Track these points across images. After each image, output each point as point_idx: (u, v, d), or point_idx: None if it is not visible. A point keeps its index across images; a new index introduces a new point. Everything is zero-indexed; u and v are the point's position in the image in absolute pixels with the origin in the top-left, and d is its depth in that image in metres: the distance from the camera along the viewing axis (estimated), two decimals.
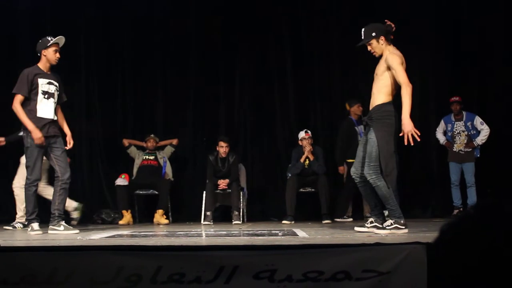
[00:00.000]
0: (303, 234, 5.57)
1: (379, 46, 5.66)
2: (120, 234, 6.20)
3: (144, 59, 10.14)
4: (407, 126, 5.50)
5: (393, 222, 5.47)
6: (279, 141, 10.02)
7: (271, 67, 10.09)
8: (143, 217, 9.46)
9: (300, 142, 9.11)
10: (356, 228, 5.70)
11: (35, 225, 6.30)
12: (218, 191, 9.13)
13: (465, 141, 8.95)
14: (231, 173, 9.11)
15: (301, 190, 9.07)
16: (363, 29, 5.76)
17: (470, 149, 8.92)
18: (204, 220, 8.77)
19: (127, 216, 8.87)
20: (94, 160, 10.00)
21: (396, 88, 5.60)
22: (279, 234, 5.66)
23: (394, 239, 4.49)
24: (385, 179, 5.52)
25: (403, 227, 5.44)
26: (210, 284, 3.34)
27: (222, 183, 9.06)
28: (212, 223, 8.63)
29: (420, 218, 8.85)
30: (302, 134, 9.10)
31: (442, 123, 9.16)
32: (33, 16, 9.98)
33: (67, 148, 6.69)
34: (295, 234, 5.57)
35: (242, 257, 3.39)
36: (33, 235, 6.14)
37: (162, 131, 9.91)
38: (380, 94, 5.60)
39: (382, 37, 5.63)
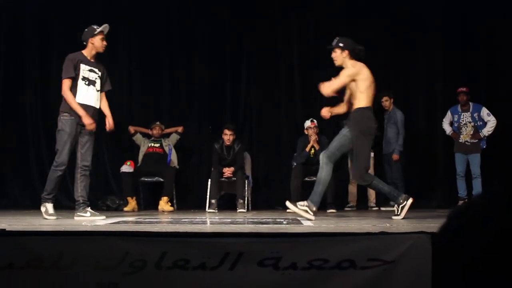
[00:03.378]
0: (308, 222, 5.57)
1: (340, 56, 6.30)
2: (125, 220, 6.22)
3: (149, 46, 10.13)
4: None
5: (306, 205, 5.96)
6: (284, 130, 10.02)
7: (277, 56, 10.08)
8: (148, 204, 9.50)
9: (305, 131, 9.11)
10: (288, 203, 6.19)
11: (50, 206, 6.36)
12: (223, 179, 9.14)
13: (472, 132, 8.92)
14: (236, 161, 9.12)
15: (306, 179, 9.07)
16: (337, 38, 6.38)
17: (476, 140, 8.90)
18: (209, 208, 8.79)
19: (132, 203, 8.90)
20: (100, 147, 10.01)
21: (371, 94, 6.22)
22: (284, 222, 5.67)
23: (399, 228, 4.49)
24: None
25: (312, 213, 5.91)
26: (215, 270, 3.34)
27: (227, 171, 9.07)
28: (216, 211, 8.64)
29: (425, 208, 8.86)
30: (307, 123, 9.09)
31: (448, 113, 9.14)
32: (39, 13, 10.01)
33: (107, 128, 6.77)
34: (299, 223, 5.57)
35: (247, 244, 3.39)
36: (47, 218, 6.21)
37: (167, 118, 9.92)
38: (358, 101, 6.15)
39: (347, 51, 6.26)
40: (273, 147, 9.99)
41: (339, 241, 3.45)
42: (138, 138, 9.59)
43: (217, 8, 10.05)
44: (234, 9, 10.08)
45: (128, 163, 9.37)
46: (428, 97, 9.86)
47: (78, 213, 6.46)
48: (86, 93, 6.48)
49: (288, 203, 6.06)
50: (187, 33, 10.11)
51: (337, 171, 9.41)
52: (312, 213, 5.91)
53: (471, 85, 9.05)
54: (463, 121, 8.99)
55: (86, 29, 6.66)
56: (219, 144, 9.19)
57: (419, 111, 9.91)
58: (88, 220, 6.21)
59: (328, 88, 6.19)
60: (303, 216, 5.90)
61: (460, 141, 8.99)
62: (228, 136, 9.07)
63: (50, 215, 6.32)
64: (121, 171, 9.24)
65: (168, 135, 9.63)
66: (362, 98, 6.12)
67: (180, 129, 9.63)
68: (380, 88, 9.51)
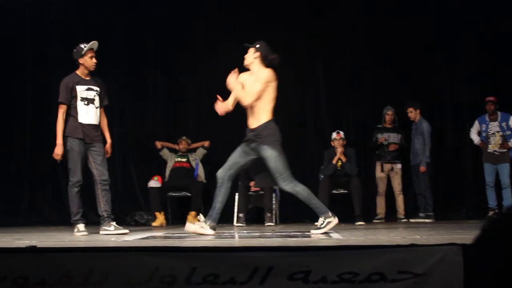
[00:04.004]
0: (337, 235, 5.55)
1: (251, 57, 6.01)
2: (153, 235, 6.24)
3: (174, 61, 10.17)
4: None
5: (323, 219, 5.82)
6: (311, 142, 9.99)
7: (302, 69, 10.02)
8: (176, 219, 9.51)
9: (332, 143, 9.08)
10: (312, 231, 5.91)
11: (81, 226, 6.48)
12: (250, 192, 9.14)
13: (500, 141, 8.84)
14: None
15: (334, 191, 9.04)
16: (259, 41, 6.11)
17: (505, 150, 8.81)
18: (237, 221, 8.81)
19: (160, 218, 8.93)
20: (127, 162, 10.08)
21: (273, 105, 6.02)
22: (312, 235, 5.65)
23: (429, 240, 4.45)
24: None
25: (332, 217, 5.81)
26: (244, 285, 3.34)
27: (255, 185, 9.08)
28: (244, 224, 8.66)
29: (455, 219, 8.79)
30: (334, 135, 9.07)
31: (476, 123, 9.06)
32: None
33: (106, 156, 6.84)
34: (328, 236, 5.55)
35: (277, 258, 3.38)
36: (79, 236, 6.28)
37: (194, 133, 9.93)
38: (264, 113, 6.01)
39: (259, 54, 5.97)
40: (300, 160, 9.93)
41: (369, 254, 3.43)
42: (165, 153, 9.64)
43: (236, 18, 10.00)
44: (254, 19, 9.97)
45: (156, 178, 9.41)
46: (455, 106, 9.77)
47: (103, 227, 6.56)
48: (87, 113, 6.59)
49: (312, 231, 5.87)
50: (209, 46, 10.07)
51: (366, 184, 9.42)
52: (333, 221, 5.82)
53: (498, 94, 8.97)
54: (491, 130, 8.91)
55: (74, 49, 6.70)
56: None
57: (445, 121, 9.82)
58: (114, 234, 6.28)
59: (249, 98, 5.94)
60: (329, 229, 5.83)
61: (488, 151, 8.90)
62: None
63: (81, 231, 6.41)
64: (149, 186, 9.28)
65: (194, 150, 9.66)
66: (267, 110, 5.97)
67: (206, 143, 9.65)
68: (404, 99, 9.51)
